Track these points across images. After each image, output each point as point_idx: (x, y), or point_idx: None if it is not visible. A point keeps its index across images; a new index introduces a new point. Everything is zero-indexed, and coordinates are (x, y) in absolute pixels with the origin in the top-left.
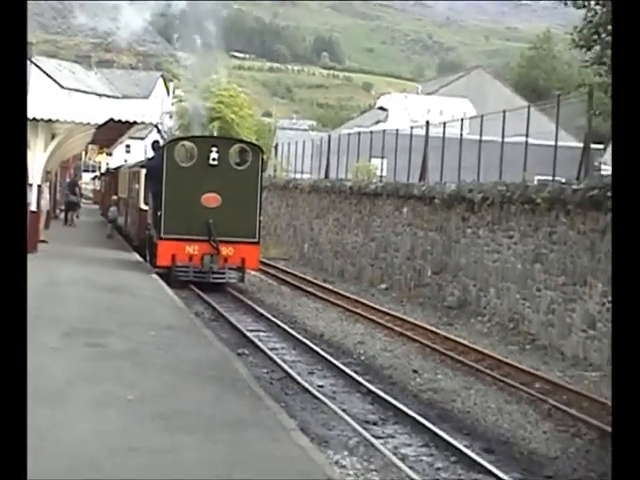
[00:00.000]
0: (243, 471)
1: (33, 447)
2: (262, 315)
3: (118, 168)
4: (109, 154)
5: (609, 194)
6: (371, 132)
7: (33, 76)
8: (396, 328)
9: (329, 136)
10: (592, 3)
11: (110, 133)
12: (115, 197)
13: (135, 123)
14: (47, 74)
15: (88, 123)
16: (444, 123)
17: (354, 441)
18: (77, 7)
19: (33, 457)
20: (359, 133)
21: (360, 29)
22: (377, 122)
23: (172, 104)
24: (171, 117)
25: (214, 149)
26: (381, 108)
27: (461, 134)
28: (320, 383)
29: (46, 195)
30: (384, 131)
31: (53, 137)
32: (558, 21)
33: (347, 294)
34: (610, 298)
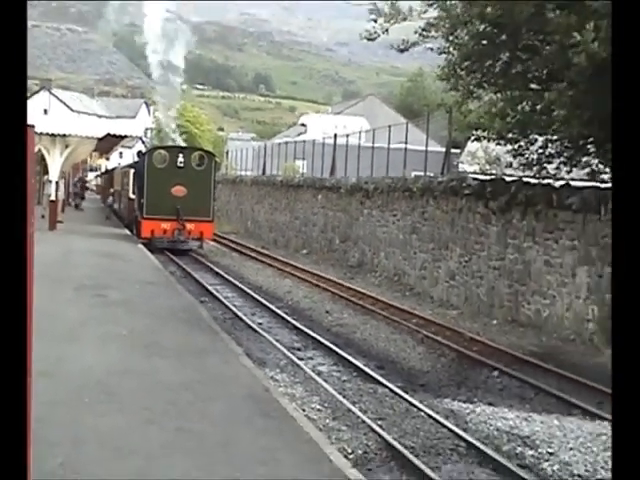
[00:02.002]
0: (205, 384)
1: (53, 372)
2: (218, 273)
3: (114, 169)
4: (107, 159)
5: (464, 184)
6: (295, 142)
7: (52, 104)
8: (314, 281)
9: (265, 145)
10: (451, 49)
11: (108, 143)
12: (111, 190)
13: (126, 136)
14: (62, 102)
15: (92, 136)
16: (347, 135)
17: (284, 362)
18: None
19: (53, 380)
20: (286, 142)
21: (287, 68)
22: (299, 134)
23: (152, 122)
24: (151, 132)
25: (181, 155)
26: (302, 124)
27: (359, 143)
28: (260, 321)
29: (62, 188)
30: (304, 141)
31: (67, 147)
32: (428, 62)
33: (279, 257)
34: (465, 258)
